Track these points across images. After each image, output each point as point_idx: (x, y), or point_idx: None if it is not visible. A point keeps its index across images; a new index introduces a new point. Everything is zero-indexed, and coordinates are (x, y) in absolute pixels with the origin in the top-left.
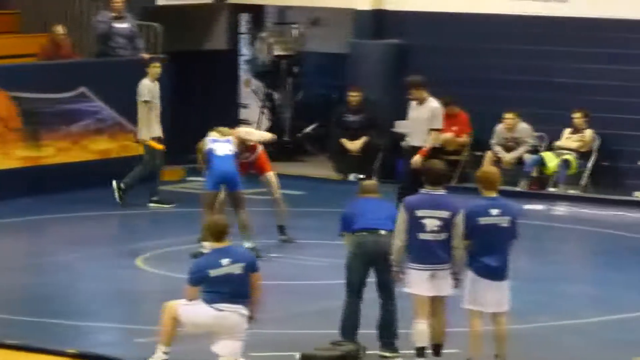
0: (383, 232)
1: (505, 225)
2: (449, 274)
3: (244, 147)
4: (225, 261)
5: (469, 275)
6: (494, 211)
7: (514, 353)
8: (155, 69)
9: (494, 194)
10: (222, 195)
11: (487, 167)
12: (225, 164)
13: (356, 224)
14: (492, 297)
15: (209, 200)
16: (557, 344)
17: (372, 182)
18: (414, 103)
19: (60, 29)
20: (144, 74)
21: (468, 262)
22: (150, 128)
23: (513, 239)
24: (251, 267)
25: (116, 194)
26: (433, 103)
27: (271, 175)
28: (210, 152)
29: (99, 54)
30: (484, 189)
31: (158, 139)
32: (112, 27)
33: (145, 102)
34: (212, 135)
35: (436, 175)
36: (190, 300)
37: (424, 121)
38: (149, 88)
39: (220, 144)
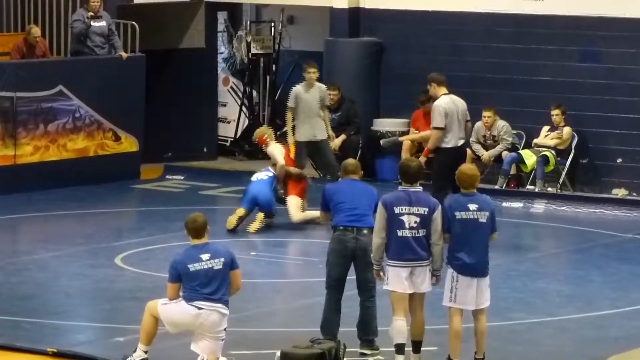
0: (365, 230)
1: (483, 220)
2: (427, 271)
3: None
4: (205, 256)
5: (449, 273)
6: (472, 206)
7: (491, 350)
8: (308, 74)
9: (473, 191)
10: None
11: (467, 165)
12: (257, 186)
13: (337, 218)
14: (472, 294)
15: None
16: (533, 341)
17: (353, 162)
18: None
19: (36, 31)
20: (120, 72)
21: (447, 259)
22: (294, 131)
23: (492, 233)
24: (231, 263)
25: None
26: (436, 101)
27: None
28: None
29: (73, 53)
30: (463, 187)
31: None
32: (90, 27)
33: (289, 107)
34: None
35: (412, 172)
36: (172, 298)
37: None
38: (297, 94)
39: (258, 174)
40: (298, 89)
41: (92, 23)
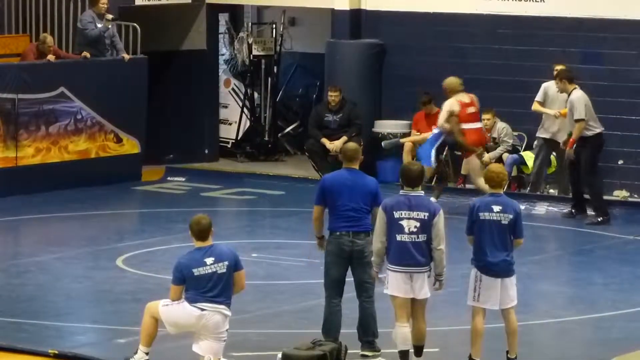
0: (362, 234)
1: (505, 223)
2: (426, 277)
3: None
4: (209, 260)
5: (473, 273)
6: (496, 208)
7: (492, 351)
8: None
9: (499, 191)
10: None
11: (495, 164)
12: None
13: (333, 222)
14: (495, 294)
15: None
16: (536, 342)
17: (354, 146)
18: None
19: (50, 40)
20: (122, 74)
21: (471, 259)
22: (541, 127)
23: (517, 237)
24: (235, 265)
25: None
26: (573, 94)
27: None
28: None
29: (78, 54)
30: (491, 185)
31: (550, 142)
32: (108, 29)
33: (536, 100)
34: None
35: (413, 176)
36: (174, 299)
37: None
38: (545, 90)
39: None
40: (548, 84)
41: (109, 26)
